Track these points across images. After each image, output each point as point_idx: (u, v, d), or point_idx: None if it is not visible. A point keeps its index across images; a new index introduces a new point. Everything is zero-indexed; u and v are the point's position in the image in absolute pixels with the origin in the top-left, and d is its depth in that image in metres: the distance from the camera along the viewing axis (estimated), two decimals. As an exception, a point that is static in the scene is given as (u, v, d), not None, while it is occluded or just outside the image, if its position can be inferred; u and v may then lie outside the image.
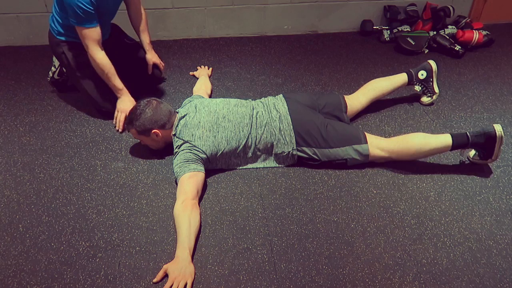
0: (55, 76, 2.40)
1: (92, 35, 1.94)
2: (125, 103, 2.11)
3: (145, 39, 2.30)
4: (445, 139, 1.79)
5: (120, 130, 2.13)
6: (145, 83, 2.47)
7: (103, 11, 2.00)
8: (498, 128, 1.75)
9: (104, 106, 2.19)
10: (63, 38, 2.09)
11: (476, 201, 1.75)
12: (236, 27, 3.11)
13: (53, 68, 2.40)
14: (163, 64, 2.44)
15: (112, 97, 2.16)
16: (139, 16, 2.25)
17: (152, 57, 2.35)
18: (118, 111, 2.15)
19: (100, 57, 1.99)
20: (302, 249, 1.55)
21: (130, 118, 1.86)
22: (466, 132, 1.80)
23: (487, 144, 1.78)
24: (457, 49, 2.84)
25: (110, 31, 2.23)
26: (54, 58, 2.40)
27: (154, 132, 1.84)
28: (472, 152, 1.89)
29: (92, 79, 2.13)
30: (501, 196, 1.78)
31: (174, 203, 1.63)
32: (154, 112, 1.84)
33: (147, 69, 2.37)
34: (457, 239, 1.59)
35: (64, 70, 2.36)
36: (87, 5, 1.85)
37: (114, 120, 2.16)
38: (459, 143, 1.79)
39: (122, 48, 2.31)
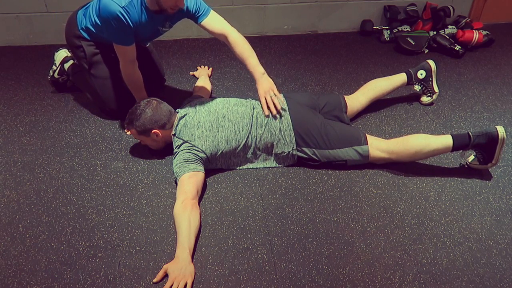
0: (55, 75, 2.40)
1: (126, 52, 1.90)
2: None
3: (250, 66, 1.99)
4: (446, 140, 1.79)
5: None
6: (150, 86, 2.46)
7: (138, 36, 1.93)
8: (500, 130, 1.74)
9: (109, 106, 2.18)
10: (87, 36, 2.04)
11: (476, 201, 1.75)
12: (236, 27, 3.08)
13: (53, 67, 2.40)
14: (275, 103, 1.89)
15: (119, 98, 2.15)
16: (238, 44, 2.00)
17: (263, 90, 1.92)
18: None
19: (131, 72, 1.97)
20: (302, 249, 1.55)
21: (130, 118, 1.86)
22: (468, 132, 1.79)
23: (488, 145, 1.77)
24: (457, 49, 2.84)
25: None
26: (55, 57, 2.40)
27: (154, 132, 1.84)
28: (471, 157, 1.88)
29: (104, 78, 2.11)
30: (501, 196, 1.78)
31: (174, 203, 1.63)
32: (154, 112, 1.84)
33: (154, 73, 2.32)
34: (457, 239, 1.59)
35: (66, 68, 2.35)
36: (122, 29, 1.79)
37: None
38: (460, 144, 1.78)
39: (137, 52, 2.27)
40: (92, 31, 2.01)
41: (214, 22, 2.02)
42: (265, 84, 1.94)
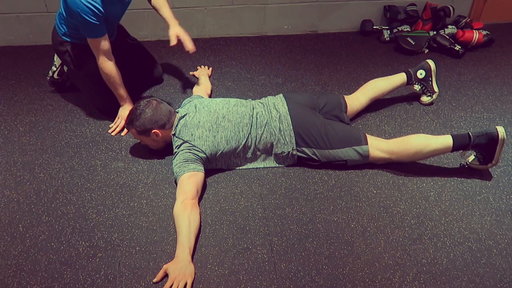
0: (55, 76, 2.40)
1: (100, 45, 1.93)
2: (127, 111, 2.11)
3: (165, 13, 2.17)
4: (446, 140, 1.78)
5: (114, 134, 2.13)
6: (146, 83, 2.46)
7: (111, 18, 1.99)
8: (500, 130, 1.73)
9: (105, 105, 2.19)
10: (68, 39, 2.08)
11: (476, 201, 1.75)
12: (236, 27, 3.11)
13: (53, 67, 2.40)
14: (189, 39, 2.18)
15: (113, 97, 2.16)
16: None
17: (175, 31, 2.15)
18: (118, 118, 2.16)
19: (108, 67, 1.99)
20: (302, 249, 1.55)
21: (130, 118, 1.86)
22: (468, 132, 1.79)
23: (488, 146, 1.76)
24: (457, 49, 2.84)
25: (116, 32, 2.22)
26: (55, 58, 2.40)
27: (154, 132, 1.85)
28: (471, 157, 1.88)
29: (95, 79, 2.12)
30: (501, 196, 1.78)
31: (174, 203, 1.63)
32: (154, 112, 1.84)
33: (149, 68, 2.34)
34: (457, 239, 1.59)
35: (65, 69, 2.36)
36: (93, 18, 1.83)
37: (113, 124, 2.16)
38: (460, 144, 1.78)
39: (124, 48, 2.30)
40: (69, 33, 2.05)
41: None
42: (178, 28, 2.15)
